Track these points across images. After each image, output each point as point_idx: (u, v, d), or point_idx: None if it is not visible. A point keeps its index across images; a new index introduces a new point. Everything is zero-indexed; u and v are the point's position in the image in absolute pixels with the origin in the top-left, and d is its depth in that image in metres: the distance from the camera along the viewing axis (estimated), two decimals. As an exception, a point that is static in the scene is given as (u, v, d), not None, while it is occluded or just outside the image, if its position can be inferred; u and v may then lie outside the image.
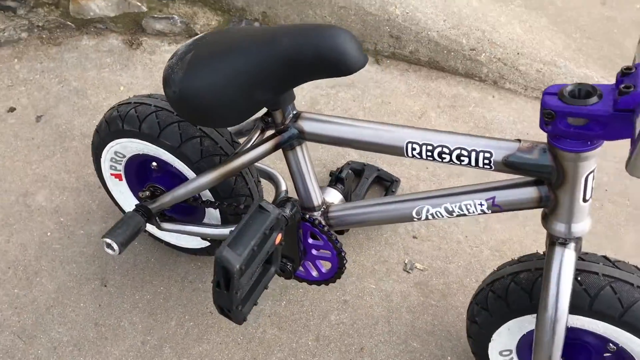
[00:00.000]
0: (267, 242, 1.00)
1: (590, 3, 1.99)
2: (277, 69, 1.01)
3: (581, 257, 1.08)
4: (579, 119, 0.85)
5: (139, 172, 1.47)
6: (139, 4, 1.93)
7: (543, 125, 0.89)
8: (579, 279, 1.05)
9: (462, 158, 1.01)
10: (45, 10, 1.96)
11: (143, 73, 1.98)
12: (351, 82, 1.94)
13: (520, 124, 1.82)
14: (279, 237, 1.04)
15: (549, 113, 0.86)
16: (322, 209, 1.27)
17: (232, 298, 0.94)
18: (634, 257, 1.51)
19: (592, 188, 0.95)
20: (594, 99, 0.84)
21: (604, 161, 1.70)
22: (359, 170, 1.69)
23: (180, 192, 1.29)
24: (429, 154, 1.03)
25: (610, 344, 1.11)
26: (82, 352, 1.42)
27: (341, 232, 1.49)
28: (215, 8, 1.94)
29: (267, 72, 1.01)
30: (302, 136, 1.14)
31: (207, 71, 1.03)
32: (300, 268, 1.31)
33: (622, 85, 0.81)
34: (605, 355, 1.16)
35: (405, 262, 1.55)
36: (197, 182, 1.25)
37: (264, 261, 1.08)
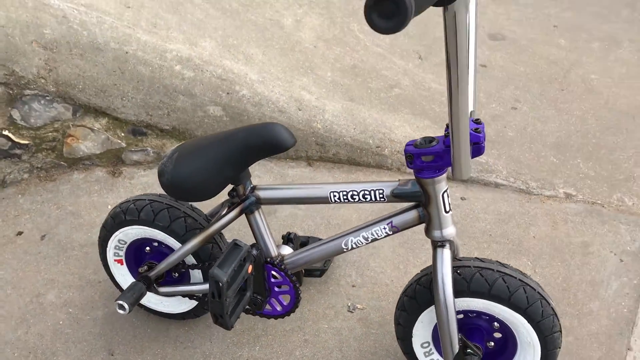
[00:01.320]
0: (242, 269, 1.41)
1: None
2: (236, 153, 1.48)
3: (459, 258, 1.53)
4: (427, 156, 1.35)
5: (136, 256, 1.86)
6: (120, 141, 2.41)
7: (408, 164, 1.38)
8: (458, 271, 1.48)
9: (365, 196, 1.48)
10: (44, 154, 2.41)
11: (125, 194, 2.41)
12: (291, 181, 2.43)
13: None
14: (250, 268, 1.45)
15: (409, 156, 1.36)
16: (279, 259, 1.70)
17: (223, 305, 1.32)
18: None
19: (449, 203, 1.43)
20: (434, 143, 1.34)
21: (485, 214, 2.21)
22: (303, 241, 2.14)
23: (172, 258, 1.68)
24: (345, 197, 1.49)
25: (495, 323, 1.53)
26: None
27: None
28: (179, 139, 2.44)
29: (230, 157, 1.49)
30: (259, 201, 1.60)
31: (189, 162, 1.50)
32: (268, 306, 1.70)
33: (445, 132, 1.34)
34: (495, 335, 1.58)
35: (348, 305, 1.94)
36: (185, 248, 1.65)
37: (241, 288, 1.48)
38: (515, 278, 1.43)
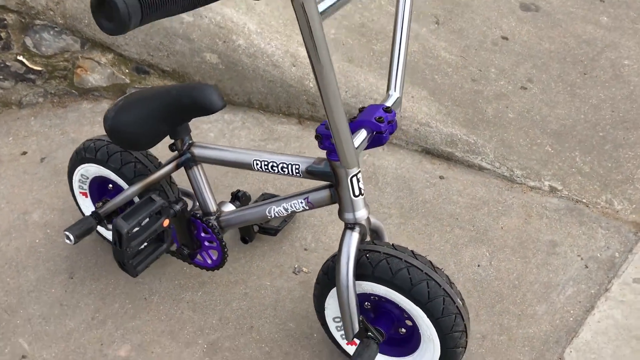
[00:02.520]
0: (155, 222, 1.46)
1: (463, 80, 2.47)
2: (169, 109, 1.51)
3: (375, 242, 1.49)
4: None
5: (99, 191, 1.95)
6: (124, 77, 2.49)
7: (319, 145, 1.35)
8: (367, 255, 1.46)
9: (284, 169, 1.47)
10: (57, 82, 2.54)
11: (125, 129, 2.52)
12: (278, 137, 2.43)
13: (400, 169, 2.27)
14: (166, 222, 1.49)
15: (318, 136, 1.32)
16: (217, 215, 1.73)
17: (124, 254, 1.38)
18: (469, 266, 1.91)
19: (360, 187, 1.38)
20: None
21: (459, 197, 2.12)
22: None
23: (118, 199, 1.75)
24: (265, 167, 1.49)
25: (405, 313, 1.50)
26: (49, 323, 1.85)
27: (246, 242, 1.94)
28: (180, 81, 2.48)
29: (163, 112, 1.51)
30: (194, 159, 1.63)
31: (129, 112, 1.53)
32: (200, 257, 1.75)
33: (350, 118, 1.29)
34: (406, 322, 1.55)
35: (295, 266, 1.97)
36: (129, 191, 1.71)
37: (158, 238, 1.53)
38: (422, 271, 1.39)
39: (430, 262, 1.43)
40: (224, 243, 1.65)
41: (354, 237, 1.42)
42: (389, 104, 1.36)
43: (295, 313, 1.82)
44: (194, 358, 1.73)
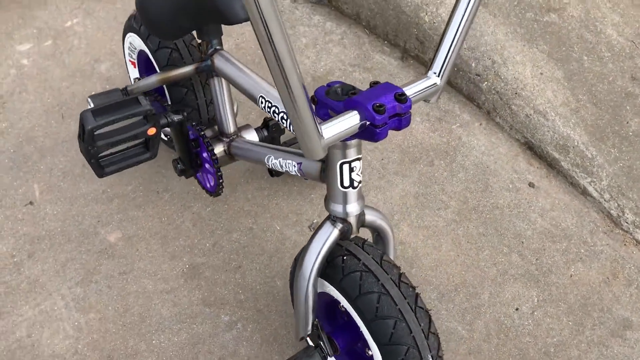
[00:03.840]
0: (137, 127, 1.28)
1: (619, 74, 1.88)
2: (189, 6, 1.27)
3: (366, 245, 1.18)
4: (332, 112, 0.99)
5: (145, 65, 1.82)
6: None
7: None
8: (344, 258, 1.16)
9: (283, 120, 1.19)
10: None
11: None
12: (371, 67, 2.08)
13: (487, 156, 1.84)
14: (152, 130, 1.31)
15: (313, 98, 1.01)
16: (231, 138, 1.51)
17: (87, 152, 1.23)
18: (505, 305, 1.54)
19: (350, 178, 1.07)
20: (351, 95, 0.97)
21: (540, 217, 1.69)
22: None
23: (142, 83, 1.60)
24: (269, 109, 1.22)
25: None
26: (65, 180, 1.83)
27: (272, 174, 1.71)
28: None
29: (184, 7, 1.28)
30: (213, 68, 1.39)
31: None
32: (207, 178, 1.57)
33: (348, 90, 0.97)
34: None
35: (314, 222, 1.73)
36: (151, 79, 1.54)
37: (143, 145, 1.36)
38: (395, 306, 1.09)
39: (416, 297, 1.12)
40: (220, 173, 1.44)
41: (331, 232, 1.14)
42: (413, 89, 1.00)
43: (288, 272, 1.62)
44: (171, 272, 1.62)
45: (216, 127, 1.53)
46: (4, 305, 1.57)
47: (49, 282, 1.61)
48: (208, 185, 1.55)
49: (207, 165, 1.50)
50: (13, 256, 1.66)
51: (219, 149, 1.50)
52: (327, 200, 1.14)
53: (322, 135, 0.88)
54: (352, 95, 0.97)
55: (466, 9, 0.99)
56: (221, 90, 1.43)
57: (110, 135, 1.28)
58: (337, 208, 1.12)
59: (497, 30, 1.88)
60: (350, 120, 0.92)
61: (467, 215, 1.72)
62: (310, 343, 1.26)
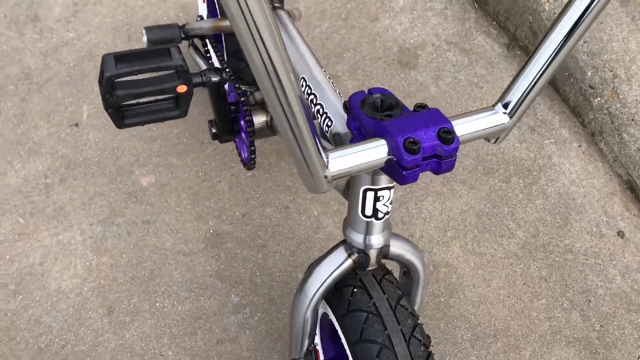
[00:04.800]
0: (164, 81, 1.13)
1: None
2: None
3: (385, 281, 1.00)
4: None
5: (213, 7, 1.65)
6: None
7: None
8: (354, 291, 0.98)
9: (318, 113, 1.00)
10: None
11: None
12: (468, 49, 1.79)
13: (577, 186, 1.55)
14: (182, 87, 1.16)
15: (345, 104, 0.81)
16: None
17: (105, 99, 1.11)
18: None
19: (374, 208, 0.88)
20: (395, 113, 0.77)
21: (621, 277, 1.41)
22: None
23: (196, 25, 1.44)
24: (307, 95, 1.03)
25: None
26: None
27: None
28: None
29: None
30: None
31: None
32: (242, 147, 1.42)
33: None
34: None
35: (357, 215, 1.55)
36: (205, 23, 1.38)
37: (174, 100, 1.22)
38: (384, 331, 0.91)
39: (427, 356, 0.94)
40: (253, 148, 1.28)
41: (343, 261, 0.97)
42: (469, 124, 0.77)
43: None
44: (193, 234, 1.52)
45: (263, 93, 1.37)
46: (26, 226, 1.54)
47: (73, 213, 1.56)
48: (243, 155, 1.40)
49: (242, 134, 1.34)
50: (46, 177, 1.62)
51: (259, 119, 1.33)
52: (346, 223, 0.96)
53: (327, 167, 0.69)
54: (387, 117, 0.76)
55: (575, 25, 0.74)
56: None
57: (134, 86, 1.14)
58: (355, 237, 0.94)
59: (631, 37, 1.53)
60: (374, 153, 0.72)
61: (532, 251, 1.47)
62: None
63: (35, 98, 1.75)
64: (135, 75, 1.12)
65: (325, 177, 0.69)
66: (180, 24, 1.51)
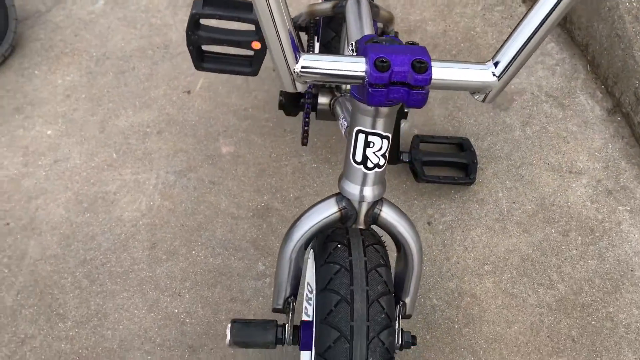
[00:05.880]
0: (242, 34, 1.27)
1: None
2: None
3: (365, 245, 1.01)
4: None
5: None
6: None
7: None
8: (338, 246, 1.01)
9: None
10: None
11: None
12: (567, 105, 1.73)
13: (637, 257, 1.40)
14: (257, 44, 1.28)
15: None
16: (344, 94, 1.41)
17: (188, 37, 1.27)
18: None
19: (364, 154, 0.90)
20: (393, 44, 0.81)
21: None
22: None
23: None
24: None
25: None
26: (225, 86, 1.94)
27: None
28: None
29: None
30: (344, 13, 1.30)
31: None
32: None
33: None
34: None
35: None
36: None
37: (248, 60, 1.35)
38: (349, 286, 0.92)
39: (385, 328, 0.93)
40: (307, 128, 1.36)
41: (331, 211, 1.00)
42: (451, 70, 0.78)
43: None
44: (247, 203, 1.63)
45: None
46: (116, 160, 1.75)
47: (156, 160, 1.75)
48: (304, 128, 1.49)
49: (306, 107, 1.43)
50: (148, 127, 1.84)
51: (324, 100, 1.42)
52: (341, 174, 1.00)
53: (297, 62, 0.76)
54: (375, 43, 0.80)
55: None
56: (345, 39, 1.35)
57: (215, 32, 1.30)
58: (344, 184, 0.98)
59: None
60: (347, 66, 0.77)
61: (568, 308, 1.36)
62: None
63: (165, 64, 2.01)
64: (217, 18, 1.28)
65: (295, 72, 0.76)
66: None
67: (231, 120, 1.83)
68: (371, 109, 0.85)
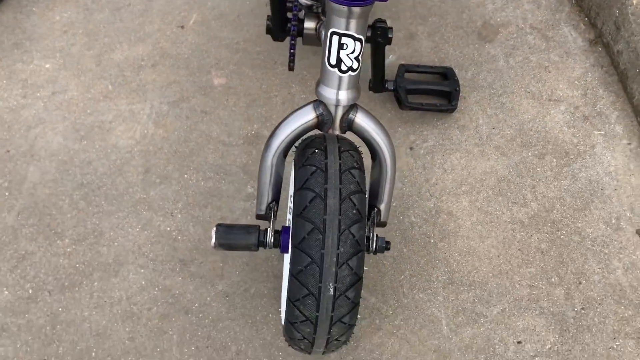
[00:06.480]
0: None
1: None
2: None
3: (340, 147, 1.08)
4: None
5: None
6: None
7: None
8: (315, 150, 1.08)
9: None
10: None
11: None
12: (550, 37, 1.78)
13: (611, 179, 1.47)
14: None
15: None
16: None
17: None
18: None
19: (338, 57, 0.96)
20: None
21: None
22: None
23: None
24: None
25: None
26: (219, 21, 1.98)
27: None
28: None
29: None
30: None
31: None
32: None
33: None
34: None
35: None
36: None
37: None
38: (323, 184, 0.99)
39: (355, 223, 1.00)
40: (293, 50, 1.41)
41: (309, 117, 1.07)
42: None
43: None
44: (238, 131, 1.70)
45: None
46: (112, 91, 1.81)
47: (150, 91, 1.81)
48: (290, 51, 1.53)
49: (291, 28, 1.47)
50: (142, 60, 1.89)
51: (310, 24, 1.46)
52: (318, 80, 1.06)
53: None
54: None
55: None
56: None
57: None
58: (320, 89, 1.04)
59: None
60: None
61: (539, 224, 1.44)
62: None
63: (159, 0, 2.06)
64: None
65: None
66: None
67: (223, 54, 1.88)
68: (345, 9, 0.91)
